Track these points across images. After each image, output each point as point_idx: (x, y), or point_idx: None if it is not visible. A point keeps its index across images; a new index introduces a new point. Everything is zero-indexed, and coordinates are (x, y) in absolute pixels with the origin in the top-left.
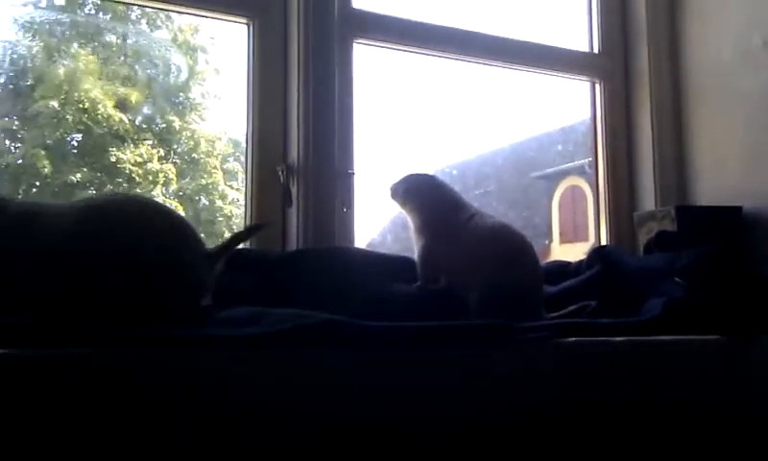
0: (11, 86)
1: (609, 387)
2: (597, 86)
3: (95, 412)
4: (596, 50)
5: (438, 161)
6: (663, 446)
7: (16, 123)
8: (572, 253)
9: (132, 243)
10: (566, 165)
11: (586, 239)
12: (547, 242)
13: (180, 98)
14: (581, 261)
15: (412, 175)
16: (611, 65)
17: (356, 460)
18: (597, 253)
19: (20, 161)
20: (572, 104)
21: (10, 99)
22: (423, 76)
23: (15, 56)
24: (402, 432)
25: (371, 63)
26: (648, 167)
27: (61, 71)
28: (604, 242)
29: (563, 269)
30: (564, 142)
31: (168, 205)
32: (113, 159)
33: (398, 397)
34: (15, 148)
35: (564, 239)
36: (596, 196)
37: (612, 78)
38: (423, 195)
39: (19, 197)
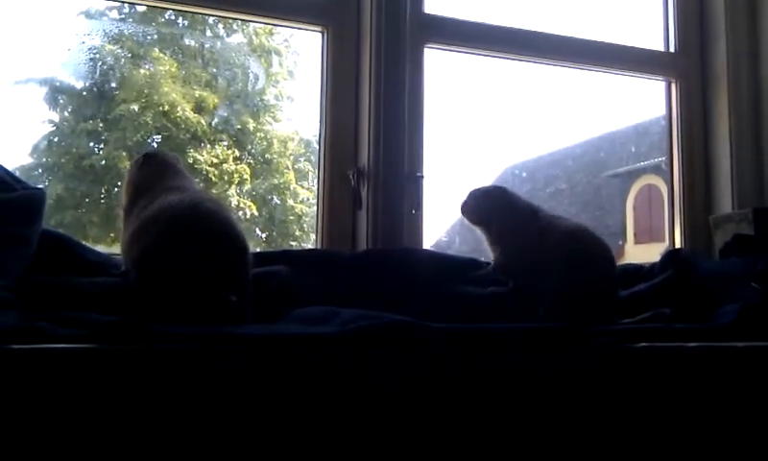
0: (95, 90)
1: (680, 393)
2: (673, 86)
3: (178, 404)
4: (672, 49)
5: (507, 162)
6: (734, 452)
7: (100, 125)
8: (648, 253)
9: None
10: (641, 164)
11: (662, 240)
12: (621, 243)
13: (255, 100)
14: (654, 264)
15: (480, 189)
16: (687, 65)
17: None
18: (671, 256)
19: (103, 162)
20: (646, 101)
21: (94, 102)
22: (493, 77)
23: (105, 66)
24: (469, 434)
25: (441, 66)
26: (725, 168)
27: (143, 75)
28: (678, 245)
29: (635, 272)
30: (637, 141)
31: (243, 205)
32: (191, 160)
33: (467, 397)
34: (99, 150)
35: (640, 240)
36: (671, 198)
37: (689, 77)
38: (496, 210)
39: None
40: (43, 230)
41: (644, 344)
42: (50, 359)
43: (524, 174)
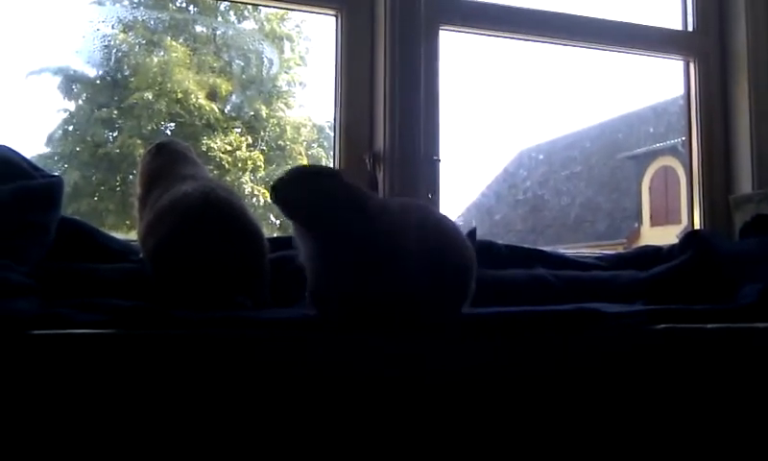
0: (108, 79)
1: (700, 374)
2: (692, 66)
3: (200, 389)
4: (691, 28)
5: (523, 144)
6: (757, 435)
7: (115, 113)
8: (664, 236)
9: None
10: (658, 145)
11: (678, 222)
12: (637, 225)
13: (268, 86)
14: (673, 246)
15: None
16: (706, 44)
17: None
18: (690, 237)
19: (118, 150)
20: (663, 82)
21: (109, 90)
22: (509, 59)
23: (119, 53)
24: (486, 417)
25: (457, 48)
26: (745, 148)
27: (156, 63)
28: (697, 226)
29: (654, 254)
30: (655, 122)
31: (257, 192)
32: (204, 148)
33: (486, 382)
34: (114, 138)
35: (656, 222)
36: (690, 178)
37: (708, 57)
38: None
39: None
40: (62, 217)
41: (664, 325)
42: (71, 345)
43: (541, 156)
